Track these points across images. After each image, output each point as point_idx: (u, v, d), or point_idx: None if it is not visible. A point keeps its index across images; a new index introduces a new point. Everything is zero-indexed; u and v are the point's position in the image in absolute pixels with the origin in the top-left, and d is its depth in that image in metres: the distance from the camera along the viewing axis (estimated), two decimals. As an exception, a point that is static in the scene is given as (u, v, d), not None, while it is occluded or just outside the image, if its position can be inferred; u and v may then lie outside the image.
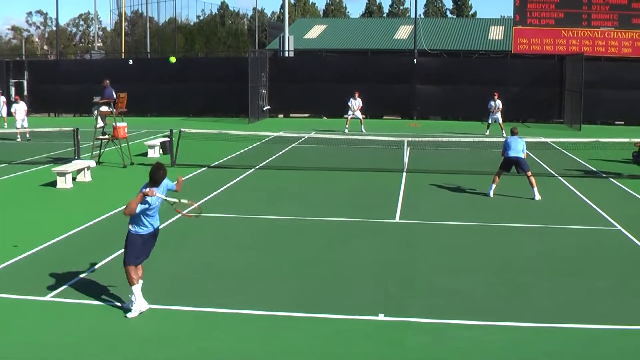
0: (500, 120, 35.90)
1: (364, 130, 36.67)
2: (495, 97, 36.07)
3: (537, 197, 19.17)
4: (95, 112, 25.44)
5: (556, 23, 44.41)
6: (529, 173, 19.38)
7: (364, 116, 37.91)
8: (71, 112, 50.08)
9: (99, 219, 16.41)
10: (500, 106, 35.89)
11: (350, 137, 30.63)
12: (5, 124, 36.74)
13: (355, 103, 37.33)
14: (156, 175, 10.59)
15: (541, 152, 27.99)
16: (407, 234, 15.50)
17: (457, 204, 18.72)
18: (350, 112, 37.36)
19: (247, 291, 11.51)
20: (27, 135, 33.04)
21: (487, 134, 35.73)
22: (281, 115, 48.32)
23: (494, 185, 19.60)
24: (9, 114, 36.87)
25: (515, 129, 20.11)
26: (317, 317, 10.31)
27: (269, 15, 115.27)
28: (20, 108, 33.37)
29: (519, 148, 19.36)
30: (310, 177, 22.82)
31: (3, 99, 38.14)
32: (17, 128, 32.68)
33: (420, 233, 15.62)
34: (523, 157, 19.36)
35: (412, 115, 46.21)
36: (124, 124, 25.72)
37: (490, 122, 36.32)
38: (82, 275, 12.06)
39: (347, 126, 36.98)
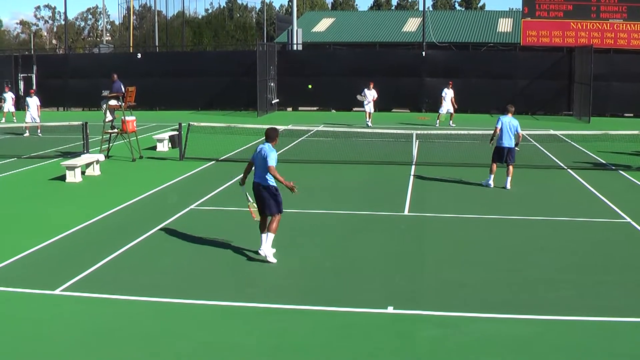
0: (452, 110, 36.82)
1: (369, 123, 36.15)
2: (450, 85, 36.82)
3: (509, 186, 19.28)
4: (104, 106, 25.48)
5: (565, 15, 44.25)
6: (512, 164, 19.48)
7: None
8: (80, 106, 50.18)
9: (108, 213, 16.43)
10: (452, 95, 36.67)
11: (358, 130, 30.58)
12: (15, 118, 36.79)
13: (370, 94, 36.61)
14: (268, 131, 12.83)
15: (550, 144, 27.94)
16: (416, 227, 15.48)
17: (466, 197, 18.69)
18: (366, 104, 36.64)
19: (256, 284, 11.54)
20: (39, 131, 32.98)
21: (437, 125, 36.39)
22: (290, 109, 48.32)
23: (492, 176, 19.62)
24: (19, 108, 36.91)
25: (511, 107, 19.91)
26: (326, 310, 10.31)
27: (277, 8, 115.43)
28: (33, 103, 33.30)
29: (511, 134, 19.34)
30: (319, 170, 22.82)
31: (12, 94, 38.23)
32: (27, 122, 32.66)
33: (429, 226, 15.60)
34: (513, 146, 19.37)
35: (421, 108, 46.15)
36: (133, 118, 25.75)
37: (443, 112, 36.84)
38: (91, 269, 12.09)
39: (368, 119, 36.55)
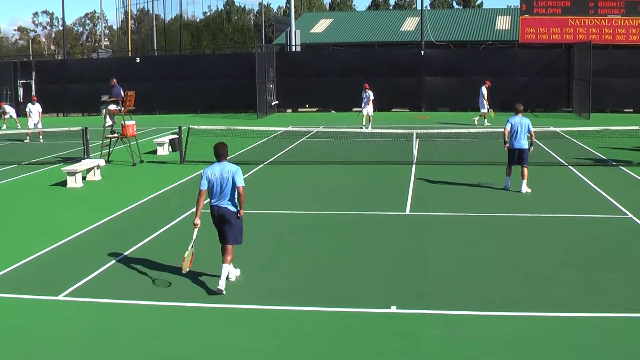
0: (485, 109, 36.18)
1: (364, 127, 33.99)
2: (487, 84, 36.25)
3: (525, 190, 18.67)
4: (104, 110, 25.49)
5: (563, 12, 44.24)
6: (526, 166, 18.77)
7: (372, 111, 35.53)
8: (79, 111, 50.21)
9: (110, 217, 16.44)
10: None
11: (359, 130, 30.55)
12: (19, 125, 36.91)
13: (365, 96, 34.89)
14: (220, 149, 11.37)
15: (550, 141, 27.94)
16: (417, 226, 15.48)
17: (467, 195, 18.68)
18: (363, 107, 35.03)
19: (258, 286, 11.53)
20: (40, 138, 32.99)
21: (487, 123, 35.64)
22: (289, 110, 48.33)
23: (508, 178, 19.10)
24: (21, 115, 37.03)
25: (520, 106, 19.14)
26: (329, 310, 10.31)
27: (275, 10, 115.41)
28: (35, 109, 33.40)
29: (523, 135, 18.63)
30: (320, 171, 22.82)
31: (11, 107, 38.84)
32: (29, 128, 32.76)
33: (431, 225, 15.60)
34: (527, 148, 18.69)
35: (420, 107, 46.14)
36: (133, 122, 25.76)
37: (485, 110, 36.25)
38: (93, 274, 12.09)
39: (363, 123, 34.63)
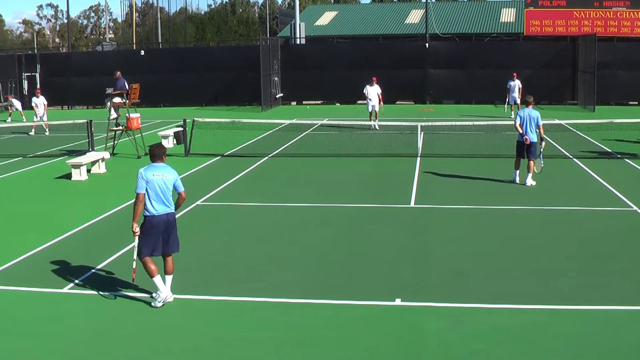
0: (519, 101, 34.90)
1: (376, 125, 30.39)
2: (514, 76, 35.65)
3: (529, 182, 18.62)
4: (109, 103, 25.49)
5: (568, 4, 44.13)
6: (532, 159, 18.67)
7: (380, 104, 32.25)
8: (84, 104, 50.25)
9: (114, 210, 16.46)
10: (520, 86, 35.31)
11: (363, 123, 30.48)
12: (24, 117, 36.92)
13: (372, 90, 31.43)
14: (157, 150, 10.86)
15: (555, 133, 27.86)
16: (422, 219, 15.47)
17: (472, 188, 18.66)
18: (369, 104, 31.50)
19: (262, 279, 11.52)
20: (46, 131, 33.03)
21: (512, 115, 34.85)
22: (294, 103, 48.32)
23: (516, 171, 19.03)
24: (27, 107, 37.08)
25: (530, 98, 19.26)
26: (333, 303, 10.32)
27: (279, 2, 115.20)
28: (40, 102, 33.42)
29: (532, 128, 18.53)
30: (324, 163, 22.80)
31: (17, 101, 38.83)
32: (35, 121, 32.77)
33: (435, 218, 15.58)
34: (535, 141, 18.59)
35: (425, 100, 46.08)
36: (137, 115, 25.72)
37: (511, 102, 35.52)
38: (98, 267, 12.12)
39: (371, 121, 30.83)
